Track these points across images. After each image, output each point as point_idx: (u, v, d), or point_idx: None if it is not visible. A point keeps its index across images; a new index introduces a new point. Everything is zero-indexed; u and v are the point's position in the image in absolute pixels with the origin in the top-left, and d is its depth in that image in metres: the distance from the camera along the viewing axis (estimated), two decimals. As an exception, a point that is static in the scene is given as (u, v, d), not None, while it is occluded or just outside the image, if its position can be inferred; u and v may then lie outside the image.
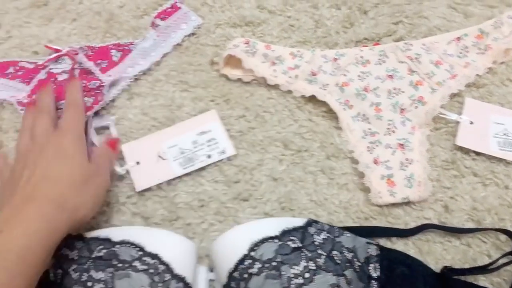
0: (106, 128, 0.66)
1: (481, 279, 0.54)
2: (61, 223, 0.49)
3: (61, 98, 0.65)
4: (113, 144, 0.62)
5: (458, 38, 0.68)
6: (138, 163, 0.63)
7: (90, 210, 0.54)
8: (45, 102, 0.61)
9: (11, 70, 0.69)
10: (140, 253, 0.50)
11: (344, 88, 0.65)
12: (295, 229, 0.51)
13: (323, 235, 0.51)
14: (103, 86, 0.66)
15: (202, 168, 0.63)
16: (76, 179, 0.52)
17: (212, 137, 0.64)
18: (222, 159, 0.63)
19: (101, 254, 0.50)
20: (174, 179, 0.62)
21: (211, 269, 0.55)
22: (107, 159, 0.60)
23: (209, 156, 0.63)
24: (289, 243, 0.49)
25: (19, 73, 0.69)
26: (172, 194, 0.61)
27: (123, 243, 0.51)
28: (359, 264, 0.51)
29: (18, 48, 0.73)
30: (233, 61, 0.69)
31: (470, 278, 0.54)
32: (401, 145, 0.62)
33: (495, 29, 0.68)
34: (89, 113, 0.65)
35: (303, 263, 0.48)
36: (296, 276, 0.47)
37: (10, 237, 0.46)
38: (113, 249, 0.50)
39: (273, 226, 0.51)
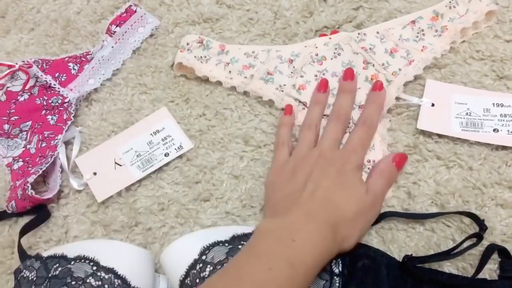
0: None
1: (446, 265, 0.53)
2: (331, 249, 0.48)
3: (24, 120, 0.65)
4: (400, 162, 0.56)
5: (413, 22, 0.66)
6: (95, 174, 0.62)
7: (354, 243, 0.51)
8: (344, 108, 0.59)
9: None
10: (95, 268, 0.49)
11: (301, 91, 0.64)
12: (245, 235, 0.50)
13: None
14: (66, 102, 0.65)
15: (162, 171, 0.62)
16: (352, 212, 0.50)
17: (166, 135, 0.63)
18: (183, 159, 0.62)
19: (56, 272, 0.50)
20: (133, 184, 0.61)
21: None
22: (387, 183, 0.56)
23: (166, 155, 0.62)
24: (239, 246, 0.48)
25: None
26: (132, 200, 0.61)
27: (78, 259, 0.50)
28: None
29: (-24, 63, 0.73)
30: (188, 60, 0.68)
31: (435, 265, 0.53)
32: None
33: (450, 9, 0.66)
34: (60, 136, 0.64)
35: None
36: None
37: (298, 248, 0.45)
38: (68, 266, 0.50)
39: (222, 233, 0.50)
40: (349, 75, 0.61)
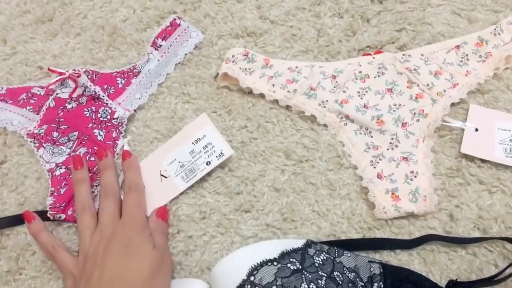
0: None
1: (488, 290, 0.53)
2: None
3: (72, 130, 0.65)
4: (163, 214, 0.60)
5: (458, 47, 0.67)
6: (143, 187, 0.62)
7: None
8: (110, 183, 0.60)
9: (23, 96, 0.68)
10: None
11: (343, 105, 0.65)
12: (294, 251, 0.50)
13: (323, 256, 0.50)
14: (115, 118, 0.66)
15: (204, 180, 0.63)
16: (145, 274, 0.51)
17: (207, 142, 0.63)
18: (224, 169, 0.63)
19: None
20: (176, 192, 0.62)
21: None
22: (164, 236, 0.58)
23: (208, 163, 0.62)
24: (288, 265, 0.49)
25: (31, 100, 0.68)
26: (175, 208, 0.61)
27: None
28: (362, 284, 0.50)
29: (23, 64, 0.74)
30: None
31: (476, 290, 0.53)
32: (405, 158, 0.61)
33: (495, 36, 0.67)
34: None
35: (304, 285, 0.47)
36: None
37: None
38: None
39: (271, 248, 0.50)
40: (102, 154, 0.62)
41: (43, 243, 0.58)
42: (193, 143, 0.64)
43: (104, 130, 0.65)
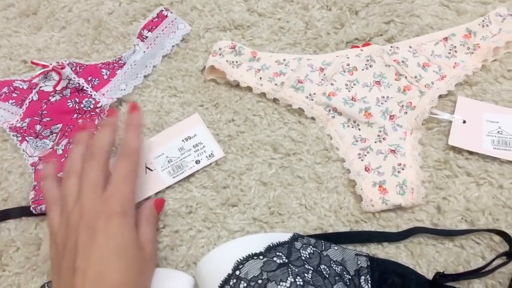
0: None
1: (475, 282, 0.53)
2: None
3: (55, 122, 0.65)
4: (159, 206, 0.57)
5: (446, 38, 0.67)
6: None
7: None
8: (98, 143, 0.54)
9: (5, 90, 0.67)
10: None
11: (331, 97, 0.64)
12: (281, 245, 0.50)
13: (310, 250, 0.50)
14: (98, 107, 0.65)
15: (191, 174, 0.62)
16: (129, 278, 0.47)
17: (198, 142, 0.63)
18: (211, 164, 0.62)
19: None
20: (162, 186, 0.61)
21: None
22: (154, 228, 0.56)
23: (197, 162, 0.62)
24: (274, 259, 0.48)
25: (14, 94, 0.67)
26: (160, 201, 0.61)
27: None
28: (349, 277, 0.49)
29: (7, 58, 0.73)
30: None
31: (464, 282, 0.53)
32: (393, 151, 0.60)
33: (483, 28, 0.67)
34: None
35: (290, 279, 0.46)
36: None
37: None
38: None
39: (258, 242, 0.50)
40: (113, 112, 0.60)
41: (43, 192, 0.55)
42: (183, 140, 0.63)
43: (88, 120, 0.65)
